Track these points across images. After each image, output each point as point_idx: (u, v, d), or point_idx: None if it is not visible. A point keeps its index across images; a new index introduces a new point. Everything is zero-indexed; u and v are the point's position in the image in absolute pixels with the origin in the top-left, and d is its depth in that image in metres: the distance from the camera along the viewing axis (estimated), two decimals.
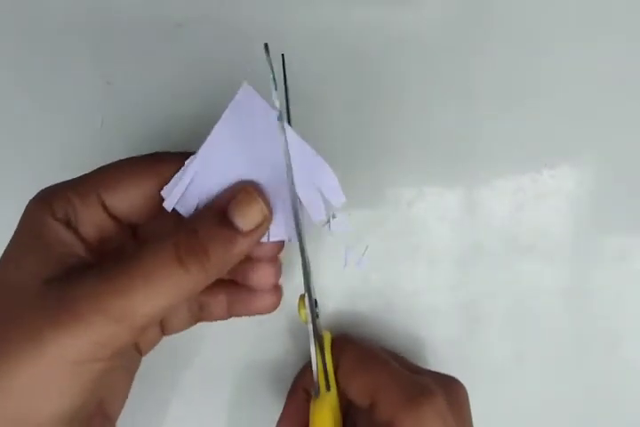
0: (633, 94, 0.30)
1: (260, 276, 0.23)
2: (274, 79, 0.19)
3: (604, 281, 0.30)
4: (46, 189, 0.21)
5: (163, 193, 0.21)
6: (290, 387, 0.27)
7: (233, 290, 0.24)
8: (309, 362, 0.24)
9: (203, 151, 0.21)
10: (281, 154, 0.20)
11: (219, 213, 0.20)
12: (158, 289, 0.18)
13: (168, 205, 0.21)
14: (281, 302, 0.26)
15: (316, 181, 0.21)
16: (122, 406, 0.23)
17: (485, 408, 0.25)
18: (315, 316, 0.23)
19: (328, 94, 0.29)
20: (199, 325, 0.25)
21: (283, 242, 0.23)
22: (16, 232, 0.21)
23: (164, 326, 0.24)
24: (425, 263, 0.30)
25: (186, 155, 0.21)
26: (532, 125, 0.29)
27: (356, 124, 0.29)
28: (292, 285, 0.27)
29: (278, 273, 0.24)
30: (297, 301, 0.24)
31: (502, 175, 0.30)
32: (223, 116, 0.20)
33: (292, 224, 0.21)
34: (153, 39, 0.29)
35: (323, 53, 0.29)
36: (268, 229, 0.21)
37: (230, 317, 0.25)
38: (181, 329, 0.25)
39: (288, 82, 0.22)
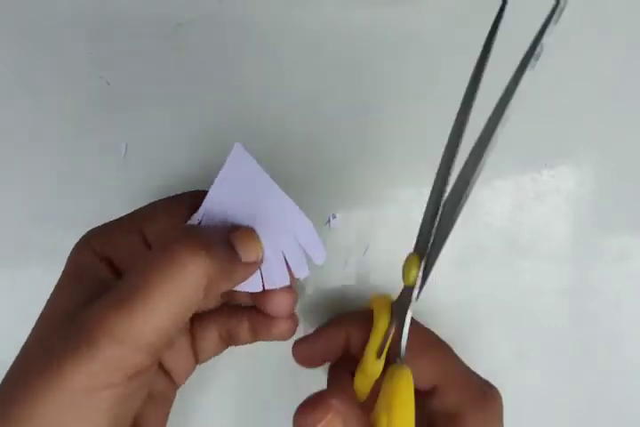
0: (633, 94, 0.30)
1: (275, 304, 0.24)
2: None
3: (604, 281, 0.30)
4: (90, 230, 0.23)
5: None
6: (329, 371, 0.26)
7: (255, 316, 0.25)
8: (352, 319, 0.24)
9: (206, 204, 0.22)
10: (264, 212, 0.22)
11: (223, 233, 0.21)
12: (162, 305, 0.18)
13: None
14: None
15: (298, 236, 0.22)
16: None
17: None
18: (424, 279, 0.22)
19: (328, 94, 0.29)
20: None
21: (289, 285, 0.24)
22: (63, 270, 0.22)
23: (196, 354, 0.25)
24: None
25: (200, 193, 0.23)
26: (532, 125, 0.29)
27: (356, 123, 0.29)
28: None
29: (293, 302, 0.24)
30: (406, 258, 0.23)
31: (502, 175, 0.30)
32: (219, 175, 0.22)
33: (284, 273, 0.23)
34: (153, 39, 0.29)
35: (323, 53, 0.29)
36: (257, 268, 0.22)
37: (256, 341, 0.25)
38: (213, 355, 0.25)
39: None
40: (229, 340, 0.25)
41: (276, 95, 0.29)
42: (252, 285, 0.23)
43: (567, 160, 0.30)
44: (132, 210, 0.23)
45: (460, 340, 0.30)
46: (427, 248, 0.22)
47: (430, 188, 0.30)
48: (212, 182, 0.22)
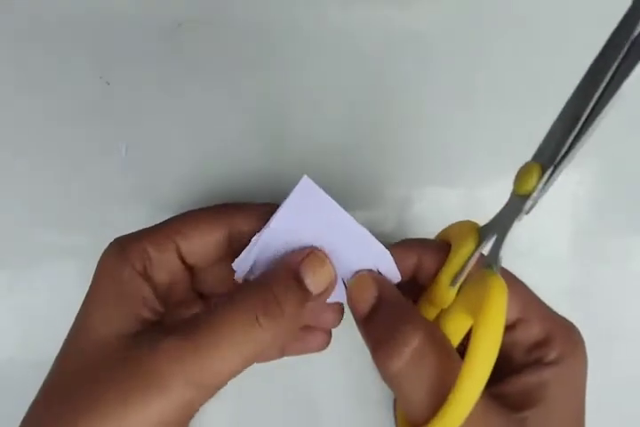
0: (633, 95, 0.30)
1: (323, 318, 0.24)
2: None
3: (604, 281, 0.30)
4: (119, 239, 0.22)
5: (234, 266, 0.22)
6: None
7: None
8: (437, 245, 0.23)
9: (267, 231, 0.22)
10: (337, 236, 0.21)
11: (292, 272, 0.20)
12: (235, 351, 0.19)
13: (238, 276, 0.22)
14: None
15: (374, 262, 0.22)
16: None
17: None
18: (543, 191, 0.20)
19: (328, 94, 0.29)
20: None
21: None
22: (94, 285, 0.21)
23: None
24: None
25: (254, 207, 0.23)
26: (532, 125, 0.29)
27: (356, 123, 0.29)
28: None
29: (340, 318, 0.24)
30: (523, 166, 0.21)
31: (502, 175, 0.30)
32: (285, 202, 0.21)
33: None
34: (153, 39, 0.29)
35: (323, 53, 0.29)
36: (332, 292, 0.22)
37: (283, 356, 0.25)
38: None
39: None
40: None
41: (275, 95, 0.29)
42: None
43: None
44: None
45: None
46: (553, 158, 0.20)
47: (430, 188, 0.30)
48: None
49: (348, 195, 0.29)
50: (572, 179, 0.30)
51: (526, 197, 0.20)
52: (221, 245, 0.22)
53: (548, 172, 0.20)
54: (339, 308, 0.24)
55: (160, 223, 0.22)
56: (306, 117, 0.29)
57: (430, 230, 0.30)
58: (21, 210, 0.29)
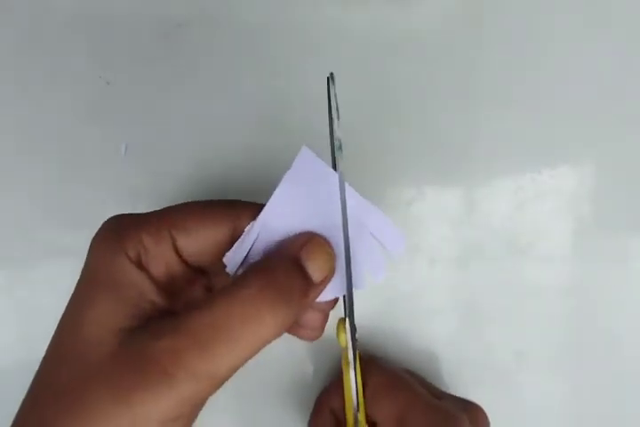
0: (633, 95, 0.30)
1: (309, 319, 0.23)
2: (337, 110, 0.19)
3: (604, 281, 0.30)
4: (114, 222, 0.21)
5: (225, 260, 0.21)
6: (313, 407, 0.27)
7: None
8: (335, 382, 0.24)
9: (262, 217, 0.21)
10: (338, 213, 0.20)
11: (294, 260, 0.19)
12: (241, 343, 0.18)
13: (230, 270, 0.21)
14: None
15: (375, 232, 0.21)
16: None
17: (486, 407, 0.25)
18: (355, 342, 0.23)
19: (327, 94, 0.29)
20: None
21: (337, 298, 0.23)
22: (86, 272, 0.20)
23: None
24: (425, 263, 0.30)
25: (259, 206, 0.21)
26: (532, 125, 0.29)
27: (356, 123, 0.29)
28: None
29: (326, 319, 0.23)
30: (336, 325, 0.23)
31: (502, 175, 0.30)
32: (283, 180, 0.20)
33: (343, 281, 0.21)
34: (153, 39, 0.29)
35: (323, 53, 0.29)
36: (330, 280, 0.21)
37: None
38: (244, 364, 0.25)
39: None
40: None
41: (275, 95, 0.29)
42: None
43: (567, 160, 0.30)
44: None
45: (459, 340, 0.30)
46: (351, 312, 0.22)
47: (430, 188, 0.30)
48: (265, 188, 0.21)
49: None
50: (572, 179, 0.30)
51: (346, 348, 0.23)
52: (222, 243, 0.21)
53: (347, 326, 0.22)
54: (327, 308, 0.23)
55: (159, 211, 0.21)
56: (306, 117, 0.29)
57: (430, 230, 0.30)
58: (21, 210, 0.29)
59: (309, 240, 0.20)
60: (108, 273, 0.19)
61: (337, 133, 0.19)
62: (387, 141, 0.29)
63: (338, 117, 0.19)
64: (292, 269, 0.19)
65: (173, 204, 0.28)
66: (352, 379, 0.23)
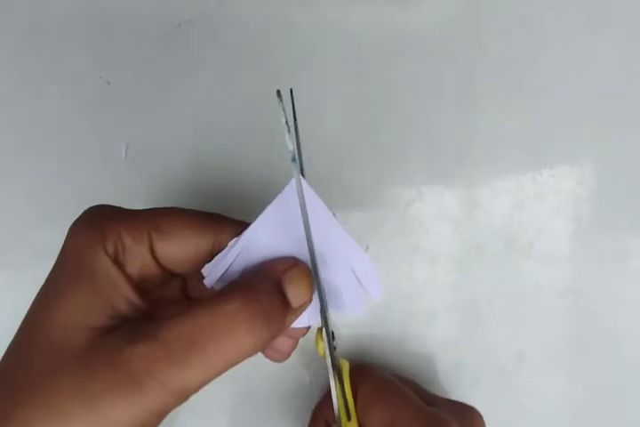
0: (633, 94, 0.30)
1: (280, 343, 0.23)
2: (287, 124, 0.19)
3: (604, 281, 0.30)
4: (95, 213, 0.20)
5: (204, 271, 0.21)
6: (310, 418, 0.27)
7: None
8: (328, 393, 0.24)
9: (247, 235, 0.20)
10: (321, 244, 0.20)
11: (276, 283, 0.19)
12: (214, 359, 0.18)
13: (208, 282, 0.21)
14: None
15: (358, 273, 0.22)
16: None
17: (486, 408, 0.25)
18: (333, 349, 0.23)
19: (328, 94, 0.29)
20: None
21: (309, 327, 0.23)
22: (63, 262, 0.19)
23: None
24: (425, 263, 0.30)
25: (246, 225, 0.21)
26: (532, 125, 0.29)
27: (356, 124, 0.29)
28: None
29: (295, 345, 0.23)
30: (315, 334, 0.23)
31: (502, 175, 0.30)
32: (272, 204, 0.20)
33: (316, 313, 0.21)
34: (153, 39, 0.29)
35: (323, 53, 0.29)
36: (306, 308, 0.21)
37: None
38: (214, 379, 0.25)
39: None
40: None
41: (275, 95, 0.29)
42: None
43: (567, 160, 0.30)
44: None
45: (460, 340, 0.30)
46: (326, 321, 0.22)
47: (430, 188, 0.30)
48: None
49: (348, 195, 0.29)
50: (571, 179, 0.30)
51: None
52: (200, 255, 0.21)
53: (323, 334, 0.22)
54: (298, 335, 0.23)
55: (143, 211, 0.20)
56: (306, 117, 0.29)
57: (430, 230, 0.30)
58: (21, 210, 0.29)
59: (293, 266, 0.20)
60: (85, 265, 0.19)
61: (289, 146, 0.19)
62: (386, 141, 0.29)
63: (289, 131, 0.19)
64: (274, 292, 0.19)
65: (174, 204, 0.28)
66: (333, 387, 0.23)
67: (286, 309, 0.19)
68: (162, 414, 0.18)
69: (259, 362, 0.29)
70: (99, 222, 0.19)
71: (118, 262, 0.19)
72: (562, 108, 0.29)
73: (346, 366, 0.25)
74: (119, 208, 0.20)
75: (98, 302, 0.18)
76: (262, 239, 0.21)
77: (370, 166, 0.29)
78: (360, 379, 0.25)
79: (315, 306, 0.21)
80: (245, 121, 0.29)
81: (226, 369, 0.18)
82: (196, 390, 0.18)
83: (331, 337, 0.23)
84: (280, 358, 0.23)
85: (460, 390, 0.30)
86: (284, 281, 0.19)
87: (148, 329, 0.18)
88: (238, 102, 0.29)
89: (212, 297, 0.18)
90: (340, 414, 0.23)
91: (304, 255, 0.21)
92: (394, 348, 0.30)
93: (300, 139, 0.22)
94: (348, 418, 0.24)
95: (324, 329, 0.22)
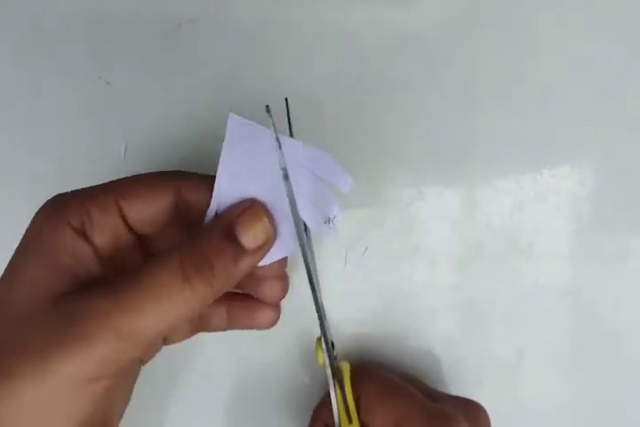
0: (633, 95, 0.30)
1: (268, 290, 0.23)
2: (277, 140, 0.20)
3: (604, 281, 0.30)
4: (61, 195, 0.21)
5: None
6: (310, 420, 0.27)
7: (234, 302, 0.24)
8: (328, 393, 0.24)
9: (215, 194, 0.21)
10: (279, 168, 0.20)
11: (225, 229, 0.20)
12: (166, 307, 0.18)
13: None
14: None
15: (317, 171, 0.22)
16: (122, 415, 0.23)
17: (486, 407, 0.25)
18: (333, 360, 0.23)
19: (328, 94, 0.29)
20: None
21: (286, 258, 0.23)
22: (25, 239, 0.20)
23: (164, 337, 0.24)
24: (425, 263, 0.30)
25: (205, 177, 0.22)
26: (531, 126, 0.29)
27: (356, 124, 0.29)
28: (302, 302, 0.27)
29: (286, 288, 0.24)
30: (314, 343, 0.24)
31: (502, 175, 0.30)
32: (222, 152, 0.21)
33: (295, 240, 0.21)
34: (153, 39, 0.29)
35: (323, 53, 0.29)
36: (270, 247, 0.21)
37: (229, 328, 0.25)
38: (182, 340, 0.25)
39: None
40: (200, 325, 0.25)
41: (275, 95, 0.29)
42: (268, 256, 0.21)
43: (567, 160, 0.30)
44: None
45: (460, 340, 0.30)
46: (324, 331, 0.23)
47: (430, 188, 0.30)
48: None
49: (348, 195, 0.29)
50: (571, 179, 0.30)
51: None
52: (167, 212, 0.21)
53: (323, 344, 0.23)
54: (282, 276, 0.23)
55: (102, 184, 0.21)
56: (306, 118, 0.29)
57: (430, 230, 0.30)
58: (21, 210, 0.29)
59: (247, 208, 0.20)
60: (45, 241, 0.19)
61: (280, 163, 0.20)
62: (386, 141, 0.29)
63: (280, 147, 0.20)
64: (218, 238, 0.19)
65: None
66: (333, 397, 0.23)
67: (238, 252, 0.20)
68: (121, 365, 0.18)
69: (259, 361, 0.29)
70: (62, 202, 0.20)
71: (85, 235, 0.20)
72: (562, 108, 0.29)
73: (347, 369, 0.25)
74: (81, 188, 0.21)
75: (56, 273, 0.19)
76: (229, 190, 0.21)
77: (370, 166, 0.29)
78: (362, 380, 0.25)
79: (289, 236, 0.21)
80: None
81: (178, 315, 0.19)
82: (150, 336, 0.18)
83: (331, 347, 0.23)
84: (271, 316, 0.24)
85: (461, 390, 0.30)
86: (237, 224, 0.20)
87: (101, 287, 0.18)
88: (238, 102, 0.29)
89: (161, 253, 0.19)
90: (338, 423, 0.24)
91: (269, 188, 0.21)
92: (394, 347, 0.30)
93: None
94: (350, 421, 0.24)
95: (322, 339, 0.22)
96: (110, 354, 0.18)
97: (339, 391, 0.24)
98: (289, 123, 0.23)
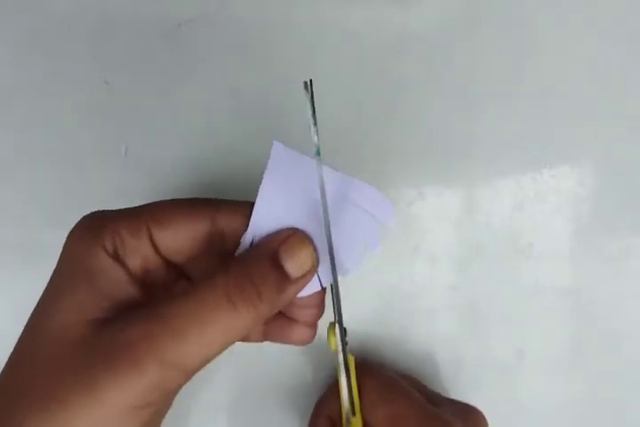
0: (633, 95, 0.30)
1: (303, 314, 0.23)
2: (313, 115, 0.19)
3: (604, 281, 0.30)
4: (92, 216, 0.21)
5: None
6: (312, 413, 0.27)
7: (272, 318, 0.24)
8: (332, 388, 0.24)
9: (253, 219, 0.21)
10: (319, 197, 0.20)
11: (271, 256, 0.20)
12: (210, 331, 0.18)
13: None
14: None
15: (361, 203, 0.21)
16: None
17: (486, 407, 0.25)
18: (345, 345, 0.23)
19: (327, 94, 0.29)
20: None
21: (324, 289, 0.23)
22: (62, 262, 0.20)
23: None
24: (425, 263, 0.30)
25: (240, 204, 0.21)
26: (531, 126, 0.29)
27: (356, 124, 0.29)
28: None
29: (321, 313, 0.23)
30: (327, 329, 0.23)
31: (502, 175, 0.30)
32: (264, 178, 0.21)
33: (329, 271, 0.21)
34: (153, 39, 0.29)
35: (323, 53, 0.29)
36: (313, 276, 0.21)
37: (265, 340, 0.24)
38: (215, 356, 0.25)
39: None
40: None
41: (275, 95, 0.29)
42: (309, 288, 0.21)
43: (567, 160, 0.30)
44: None
45: (459, 340, 0.30)
46: (339, 316, 0.22)
47: (430, 188, 0.30)
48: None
49: None
50: (571, 179, 0.30)
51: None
52: (199, 241, 0.21)
53: (336, 329, 0.23)
54: (318, 302, 0.23)
55: (138, 206, 0.21)
56: (304, 117, 0.29)
57: (430, 230, 0.30)
58: (21, 210, 0.29)
59: (290, 236, 0.20)
60: (83, 264, 0.19)
61: (314, 139, 0.20)
62: (387, 142, 0.29)
63: (314, 124, 0.20)
64: (265, 265, 0.19)
65: None
66: (343, 382, 0.23)
67: (283, 281, 0.19)
68: (167, 393, 0.18)
69: (259, 359, 0.29)
70: (96, 224, 0.20)
71: (119, 259, 0.20)
72: (562, 108, 0.29)
73: (351, 362, 0.25)
74: (114, 210, 0.21)
75: (95, 298, 0.19)
76: (267, 217, 0.21)
77: (370, 166, 0.29)
78: (364, 376, 0.25)
79: (326, 268, 0.21)
80: (245, 121, 0.29)
81: (225, 343, 0.19)
82: (196, 365, 0.18)
83: (343, 333, 0.23)
84: (306, 334, 0.23)
85: (460, 390, 0.30)
86: (281, 252, 0.20)
87: (145, 311, 0.18)
88: (238, 102, 0.29)
89: (207, 278, 0.19)
90: (349, 408, 0.23)
91: (308, 218, 0.21)
92: (394, 347, 0.30)
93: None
94: (353, 413, 0.24)
95: (336, 324, 0.22)
96: (157, 382, 0.18)
97: (347, 384, 0.24)
98: (312, 106, 0.22)
